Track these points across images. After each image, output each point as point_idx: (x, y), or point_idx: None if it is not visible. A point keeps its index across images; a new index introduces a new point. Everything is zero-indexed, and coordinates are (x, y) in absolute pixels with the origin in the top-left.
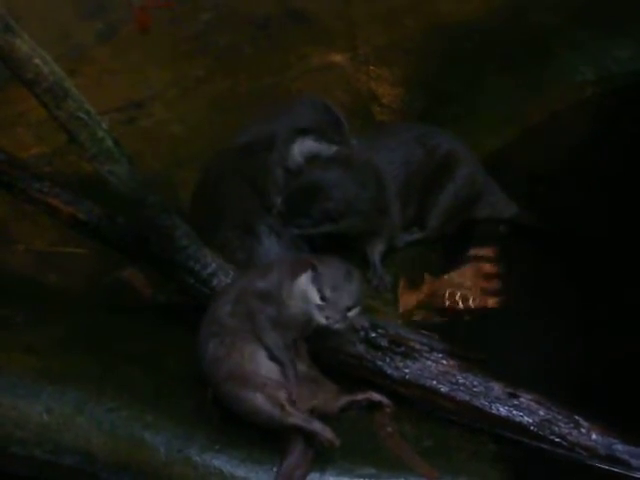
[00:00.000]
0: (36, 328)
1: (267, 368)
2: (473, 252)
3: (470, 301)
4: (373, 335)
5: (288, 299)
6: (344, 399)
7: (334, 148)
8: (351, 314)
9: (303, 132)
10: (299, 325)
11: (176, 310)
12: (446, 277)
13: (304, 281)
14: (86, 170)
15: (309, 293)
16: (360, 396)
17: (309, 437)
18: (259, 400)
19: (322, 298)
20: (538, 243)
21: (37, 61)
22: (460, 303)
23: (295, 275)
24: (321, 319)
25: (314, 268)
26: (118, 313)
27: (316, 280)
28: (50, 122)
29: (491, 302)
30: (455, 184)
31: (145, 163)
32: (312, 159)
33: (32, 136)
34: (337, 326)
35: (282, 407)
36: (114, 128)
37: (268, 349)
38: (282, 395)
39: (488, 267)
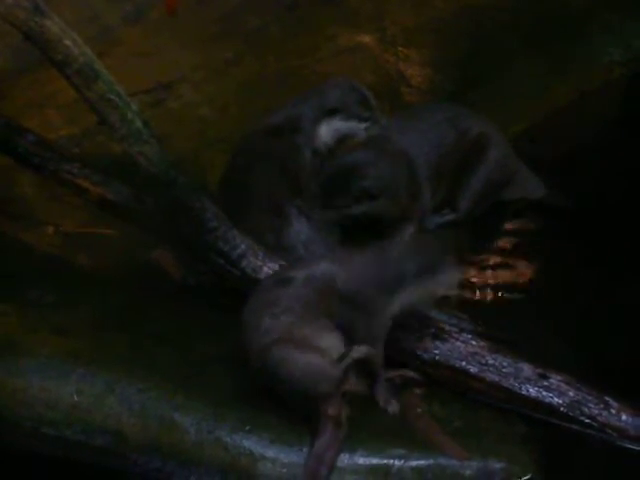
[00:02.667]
0: (66, 309)
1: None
2: (503, 233)
3: (500, 282)
4: None
5: None
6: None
7: (363, 126)
8: None
9: (330, 112)
10: None
11: (205, 291)
12: (476, 258)
13: None
14: (115, 151)
15: None
16: (392, 374)
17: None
18: (312, 357)
19: None
20: (567, 224)
21: (67, 42)
22: (490, 284)
23: None
24: None
25: None
26: (148, 294)
27: None
28: (79, 103)
29: (521, 283)
30: (486, 167)
31: (174, 144)
32: (342, 140)
33: (61, 117)
34: None
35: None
36: (143, 110)
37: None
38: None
39: (518, 248)
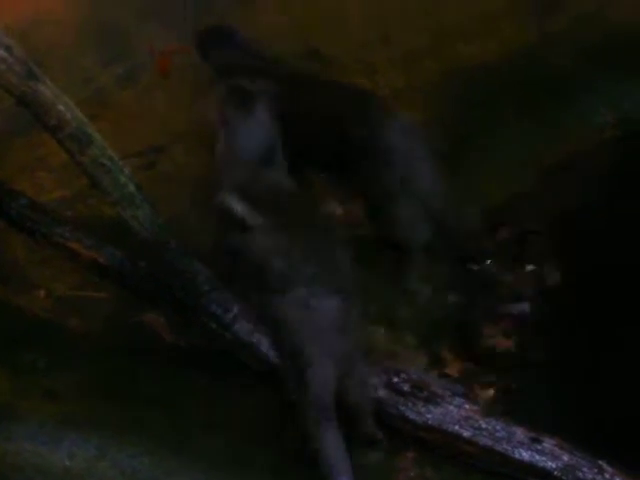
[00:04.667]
0: (58, 373)
1: None
2: (490, 304)
3: (490, 346)
4: (395, 380)
5: None
6: None
7: None
8: None
9: None
10: None
11: (197, 354)
12: (466, 324)
13: None
14: (108, 214)
15: None
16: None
17: None
18: None
19: None
20: (562, 288)
21: (60, 107)
22: (481, 348)
23: None
24: None
25: None
26: (139, 357)
27: None
28: (71, 166)
29: (511, 347)
30: None
31: (165, 207)
32: None
33: (53, 180)
34: None
35: None
36: (135, 173)
37: None
38: None
39: (507, 313)
